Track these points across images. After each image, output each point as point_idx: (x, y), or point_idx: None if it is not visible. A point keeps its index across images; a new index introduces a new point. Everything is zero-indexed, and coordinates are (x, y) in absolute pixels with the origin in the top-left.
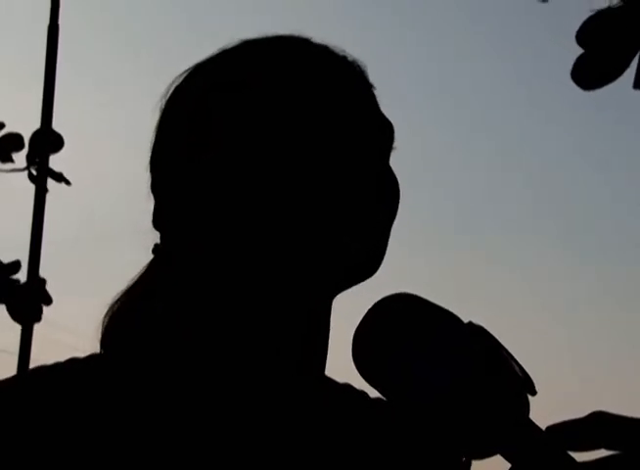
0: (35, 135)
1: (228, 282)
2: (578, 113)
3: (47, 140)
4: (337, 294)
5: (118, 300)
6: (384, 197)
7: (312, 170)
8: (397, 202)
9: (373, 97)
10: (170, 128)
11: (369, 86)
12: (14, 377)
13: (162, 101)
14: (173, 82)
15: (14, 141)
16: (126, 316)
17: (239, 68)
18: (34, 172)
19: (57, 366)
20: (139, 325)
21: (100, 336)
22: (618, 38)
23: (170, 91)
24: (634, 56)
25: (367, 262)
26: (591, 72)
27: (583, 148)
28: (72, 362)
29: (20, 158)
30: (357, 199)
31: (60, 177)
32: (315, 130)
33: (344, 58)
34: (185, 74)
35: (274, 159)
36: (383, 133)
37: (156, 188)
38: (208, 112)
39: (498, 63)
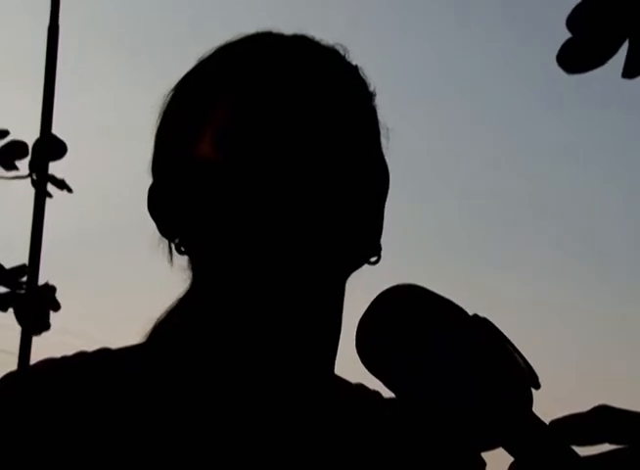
0: (38, 142)
1: (232, 279)
2: (579, 112)
3: (47, 146)
4: (339, 281)
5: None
6: (378, 181)
7: (305, 162)
8: (388, 183)
9: (359, 80)
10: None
11: (353, 69)
12: (20, 369)
13: (161, 106)
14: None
15: (18, 149)
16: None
17: (230, 67)
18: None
19: (65, 359)
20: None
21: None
22: (607, 24)
23: (169, 96)
24: (622, 42)
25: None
26: (577, 57)
27: (582, 147)
28: (81, 356)
29: (23, 165)
30: (350, 187)
31: (62, 184)
32: (306, 122)
33: (319, 44)
34: (186, 74)
35: (268, 154)
36: (372, 118)
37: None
38: (204, 115)
39: (497, 58)
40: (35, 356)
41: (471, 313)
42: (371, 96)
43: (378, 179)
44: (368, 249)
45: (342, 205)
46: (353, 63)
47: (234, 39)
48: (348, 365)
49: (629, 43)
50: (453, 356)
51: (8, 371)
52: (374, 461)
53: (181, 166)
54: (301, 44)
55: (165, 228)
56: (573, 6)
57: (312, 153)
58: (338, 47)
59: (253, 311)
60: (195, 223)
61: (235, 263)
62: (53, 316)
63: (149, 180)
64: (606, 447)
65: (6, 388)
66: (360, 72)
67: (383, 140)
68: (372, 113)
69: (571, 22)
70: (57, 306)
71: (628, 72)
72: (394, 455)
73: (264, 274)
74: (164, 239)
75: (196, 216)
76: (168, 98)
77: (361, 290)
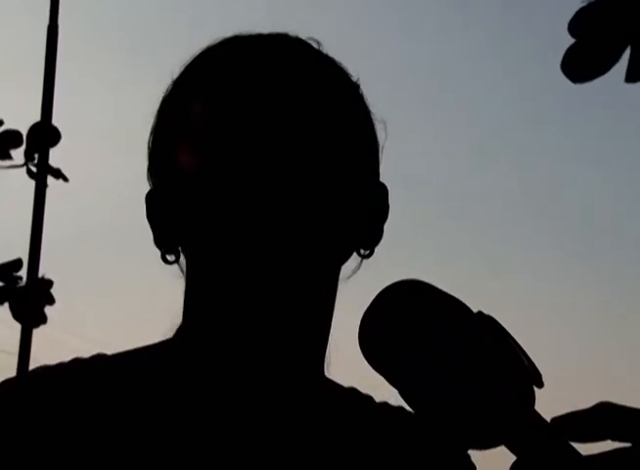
0: (33, 129)
1: (226, 279)
2: (579, 112)
3: (45, 134)
4: (324, 273)
5: None
6: (360, 174)
7: (275, 161)
8: (376, 174)
9: (338, 74)
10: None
11: (331, 64)
12: (16, 377)
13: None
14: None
15: (12, 138)
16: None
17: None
18: (33, 168)
19: (60, 366)
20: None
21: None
22: (610, 30)
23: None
24: (625, 48)
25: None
26: (581, 65)
27: (580, 147)
28: (76, 362)
29: (17, 154)
30: (327, 183)
31: (58, 173)
32: (274, 120)
33: (294, 45)
34: (181, 71)
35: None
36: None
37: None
38: (190, 119)
39: (493, 59)
40: (35, 356)
41: (475, 311)
42: (353, 87)
43: (360, 173)
44: (348, 243)
45: (318, 200)
46: (329, 56)
47: (211, 44)
48: (348, 365)
49: (631, 48)
50: (454, 352)
51: (5, 378)
52: (365, 464)
53: (167, 175)
54: (275, 47)
55: (160, 235)
56: (571, 4)
57: (283, 151)
58: (311, 42)
59: (243, 309)
60: (184, 230)
61: (219, 265)
62: (52, 315)
63: (147, 185)
64: (607, 447)
65: (2, 395)
66: (339, 65)
67: (378, 132)
68: (354, 104)
69: (574, 26)
70: (51, 301)
71: (631, 77)
72: (385, 459)
73: (249, 272)
74: (157, 247)
75: (184, 223)
76: (157, 106)
77: (360, 290)
